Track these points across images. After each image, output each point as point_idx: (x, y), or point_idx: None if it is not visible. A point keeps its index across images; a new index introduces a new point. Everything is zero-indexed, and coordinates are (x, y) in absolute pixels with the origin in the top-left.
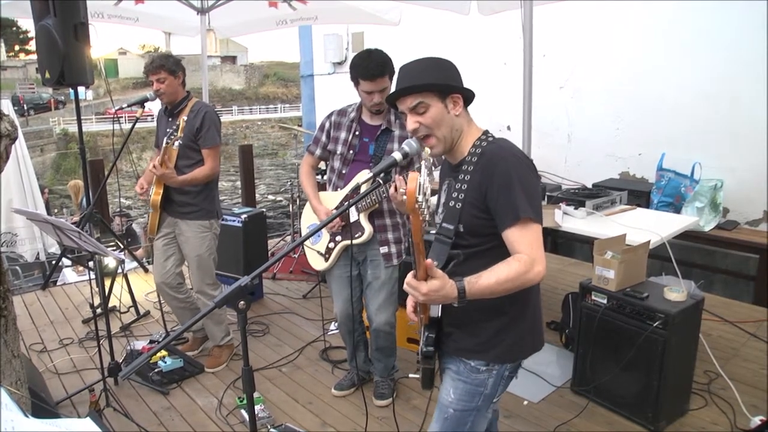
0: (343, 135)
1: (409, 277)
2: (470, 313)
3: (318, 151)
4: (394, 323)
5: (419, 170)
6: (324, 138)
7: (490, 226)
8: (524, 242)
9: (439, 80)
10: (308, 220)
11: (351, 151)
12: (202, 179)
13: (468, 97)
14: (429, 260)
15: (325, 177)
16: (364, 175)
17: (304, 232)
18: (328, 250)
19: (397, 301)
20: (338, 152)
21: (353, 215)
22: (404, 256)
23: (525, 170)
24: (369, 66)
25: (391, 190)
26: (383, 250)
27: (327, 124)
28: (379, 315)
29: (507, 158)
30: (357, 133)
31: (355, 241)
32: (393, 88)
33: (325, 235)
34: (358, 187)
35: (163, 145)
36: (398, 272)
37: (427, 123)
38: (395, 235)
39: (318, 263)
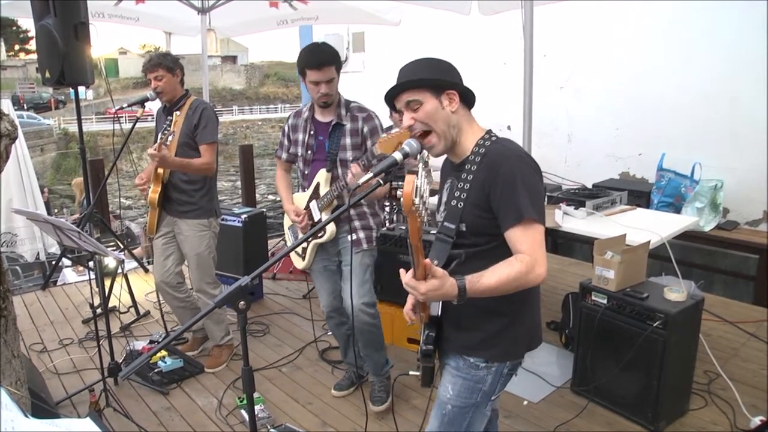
0: (300, 136)
1: (408, 276)
2: (470, 312)
3: (284, 155)
4: (375, 313)
5: (416, 173)
6: (286, 142)
7: (493, 226)
8: (526, 243)
9: (432, 76)
10: (288, 221)
11: (309, 152)
12: (198, 168)
13: (466, 95)
14: (428, 260)
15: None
16: (322, 174)
17: (286, 233)
18: (303, 250)
19: (373, 291)
20: (299, 154)
21: (316, 214)
22: (375, 243)
23: (529, 171)
24: (316, 53)
25: (349, 176)
26: (352, 237)
27: (286, 128)
28: (355, 301)
29: (511, 158)
30: (312, 132)
31: (318, 240)
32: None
33: (299, 234)
34: (317, 188)
35: (158, 140)
36: (370, 259)
37: (420, 119)
38: (362, 223)
39: (297, 262)
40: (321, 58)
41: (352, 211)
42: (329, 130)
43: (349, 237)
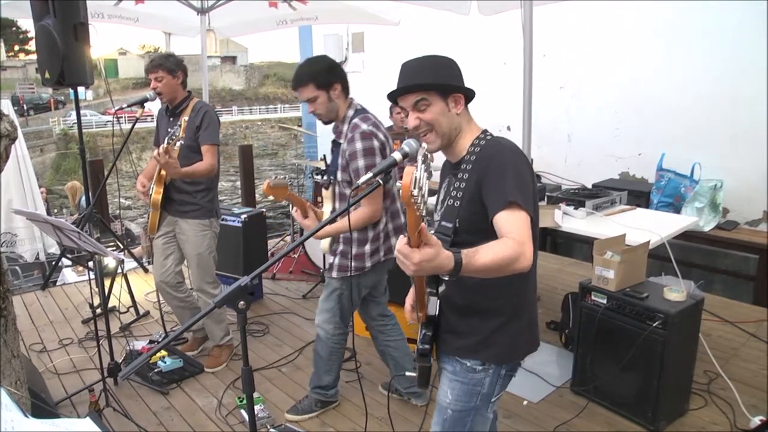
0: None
1: (402, 243)
2: (466, 313)
3: None
4: (329, 334)
5: (416, 165)
6: None
7: (485, 222)
8: (512, 226)
9: (440, 80)
10: None
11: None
12: (202, 173)
13: (469, 96)
14: (424, 224)
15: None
16: (324, 191)
17: None
18: None
19: (337, 317)
20: None
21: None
22: (351, 274)
23: (520, 163)
24: (294, 75)
25: (298, 217)
26: (329, 259)
27: None
28: (316, 317)
29: (503, 152)
30: (332, 147)
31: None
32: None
33: None
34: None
35: (166, 143)
36: (338, 284)
37: (427, 120)
38: (343, 248)
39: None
40: (294, 81)
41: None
42: (332, 148)
43: (330, 258)
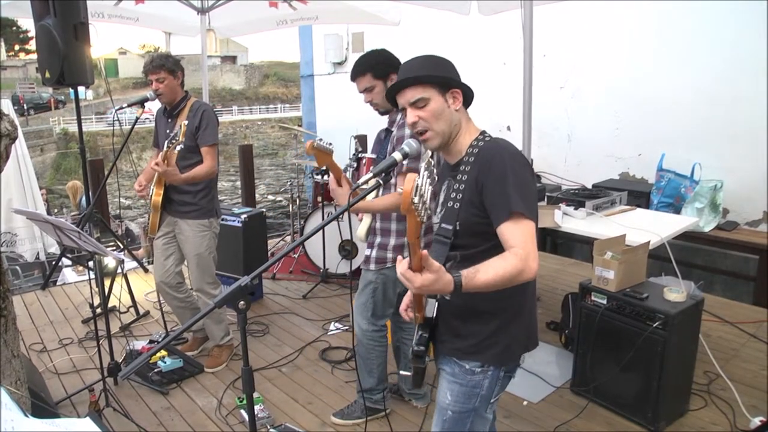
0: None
1: (404, 266)
2: (465, 315)
3: None
4: (364, 329)
5: (418, 171)
6: None
7: (486, 225)
8: (517, 237)
9: (439, 74)
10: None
11: (377, 156)
12: (203, 177)
13: (467, 94)
14: (425, 251)
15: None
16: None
17: None
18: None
19: (369, 312)
20: None
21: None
22: (389, 265)
23: (520, 166)
24: (354, 66)
25: (332, 184)
26: (366, 252)
27: None
28: (355, 314)
29: (503, 154)
30: (384, 136)
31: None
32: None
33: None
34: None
35: (164, 149)
36: (374, 276)
37: (426, 116)
38: (381, 240)
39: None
40: (353, 71)
41: (378, 224)
42: (384, 136)
43: (366, 251)
